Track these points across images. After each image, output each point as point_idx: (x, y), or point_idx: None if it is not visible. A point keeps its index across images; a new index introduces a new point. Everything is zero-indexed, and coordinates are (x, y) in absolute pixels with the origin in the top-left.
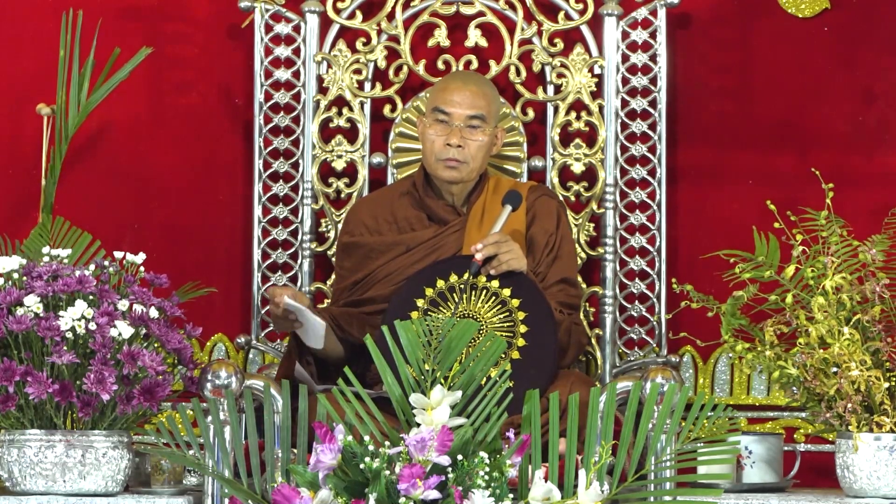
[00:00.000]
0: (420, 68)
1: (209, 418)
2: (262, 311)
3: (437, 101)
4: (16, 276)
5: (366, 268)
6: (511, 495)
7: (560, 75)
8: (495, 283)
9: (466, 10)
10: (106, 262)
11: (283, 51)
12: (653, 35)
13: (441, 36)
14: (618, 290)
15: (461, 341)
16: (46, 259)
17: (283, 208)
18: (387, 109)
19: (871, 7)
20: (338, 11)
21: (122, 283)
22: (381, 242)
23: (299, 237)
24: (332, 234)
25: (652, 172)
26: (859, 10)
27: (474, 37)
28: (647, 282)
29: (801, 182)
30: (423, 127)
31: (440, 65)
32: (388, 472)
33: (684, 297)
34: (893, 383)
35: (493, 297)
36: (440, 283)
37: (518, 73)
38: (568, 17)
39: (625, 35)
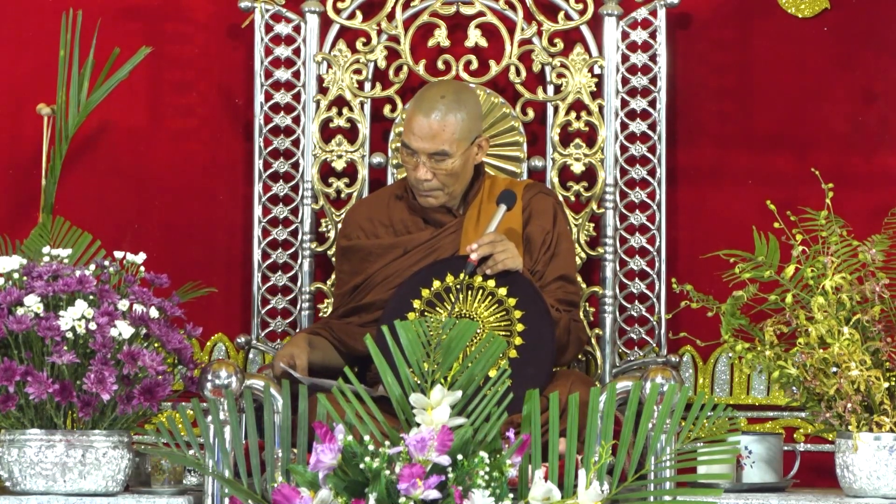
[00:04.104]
0: (420, 68)
1: (209, 418)
2: (263, 311)
3: (404, 133)
4: (16, 276)
5: (364, 271)
6: (511, 495)
7: (560, 75)
8: (491, 283)
9: (466, 10)
10: (106, 262)
11: (283, 51)
12: (653, 35)
13: (441, 36)
14: (618, 290)
15: (461, 341)
16: (46, 259)
17: (283, 208)
18: (387, 109)
19: (870, 7)
20: (338, 11)
21: (122, 283)
22: (379, 245)
23: (299, 237)
24: (332, 234)
25: (652, 172)
26: (859, 10)
27: (474, 37)
28: (647, 282)
29: (801, 182)
30: (400, 153)
31: (440, 65)
32: (388, 472)
33: (684, 297)
34: (893, 383)
35: (490, 297)
36: (436, 284)
37: (518, 73)
38: (568, 17)
39: (625, 35)
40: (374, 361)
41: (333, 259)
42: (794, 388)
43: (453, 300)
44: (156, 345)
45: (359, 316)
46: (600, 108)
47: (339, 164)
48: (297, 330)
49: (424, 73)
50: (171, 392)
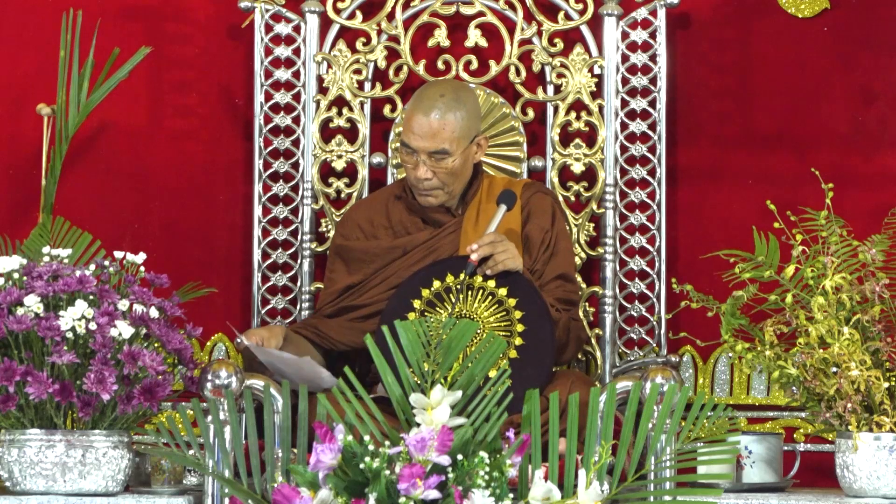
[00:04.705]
0: (420, 68)
1: (209, 418)
2: (263, 311)
3: (403, 132)
4: (16, 276)
5: (360, 272)
6: (511, 495)
7: (560, 75)
8: (491, 283)
9: (466, 10)
10: (106, 262)
11: (283, 51)
12: (653, 35)
13: (441, 36)
14: (618, 290)
15: (461, 341)
16: (46, 259)
17: (283, 208)
18: (387, 109)
19: (870, 7)
20: (338, 11)
21: (122, 283)
22: (378, 247)
23: (299, 237)
24: (332, 234)
25: (652, 172)
26: (859, 10)
27: (474, 37)
28: (647, 282)
29: (801, 182)
30: (399, 153)
31: (440, 65)
32: (388, 472)
33: (684, 297)
34: (893, 383)
35: (490, 297)
36: (437, 284)
37: (518, 73)
38: (568, 17)
39: (624, 35)
40: (357, 360)
41: None
42: (794, 388)
43: (453, 300)
44: (156, 345)
45: (346, 315)
46: (600, 108)
47: (339, 164)
48: None
49: (424, 73)
50: (171, 392)
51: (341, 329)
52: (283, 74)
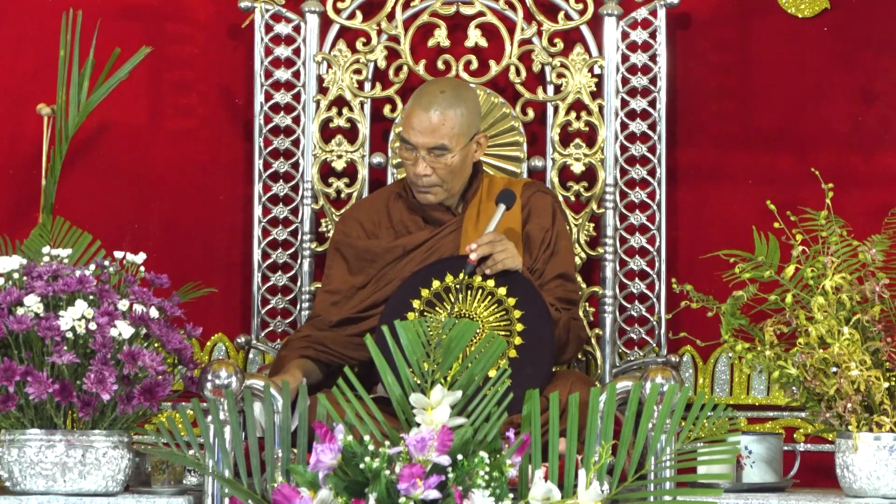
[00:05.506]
0: (420, 68)
1: (209, 418)
2: (263, 311)
3: (403, 128)
4: (16, 276)
5: (362, 273)
6: (511, 495)
7: (560, 75)
8: (491, 283)
9: (466, 10)
10: (106, 262)
11: (283, 51)
12: (653, 35)
13: (441, 36)
14: (618, 290)
15: (461, 341)
16: (46, 259)
17: (283, 208)
18: (387, 109)
19: (870, 7)
20: (338, 11)
21: (122, 283)
22: (378, 246)
23: (299, 237)
24: (332, 234)
25: (652, 172)
26: (859, 10)
27: (474, 37)
28: (647, 282)
29: (801, 182)
30: (398, 150)
31: (440, 65)
32: (388, 472)
33: (684, 297)
34: (893, 383)
35: (489, 297)
36: (436, 284)
37: (518, 73)
38: (568, 17)
39: (624, 35)
40: (356, 365)
41: None
42: (794, 388)
43: (453, 300)
44: (156, 345)
45: (352, 328)
46: (600, 108)
47: (339, 164)
48: (297, 329)
49: (424, 73)
50: (171, 392)
51: (355, 347)
52: (283, 74)
